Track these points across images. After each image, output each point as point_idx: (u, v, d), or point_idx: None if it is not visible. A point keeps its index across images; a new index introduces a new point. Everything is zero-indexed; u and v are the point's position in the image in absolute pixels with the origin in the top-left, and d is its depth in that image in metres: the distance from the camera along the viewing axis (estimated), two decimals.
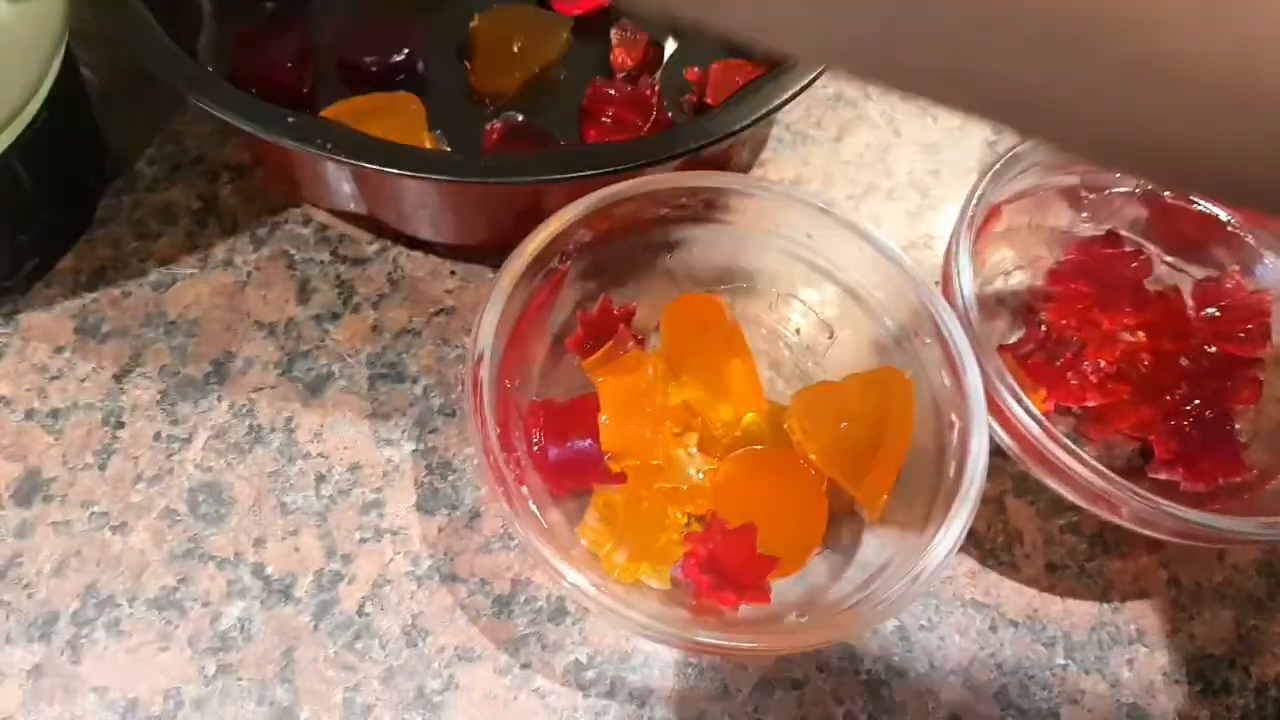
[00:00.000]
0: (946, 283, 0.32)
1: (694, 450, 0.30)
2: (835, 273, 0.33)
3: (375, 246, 0.34)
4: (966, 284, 0.31)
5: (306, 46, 0.35)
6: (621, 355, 0.31)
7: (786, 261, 0.33)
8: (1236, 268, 0.36)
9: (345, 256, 0.34)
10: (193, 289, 0.33)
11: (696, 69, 0.38)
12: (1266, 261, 0.37)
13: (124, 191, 0.34)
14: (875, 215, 0.38)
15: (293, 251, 0.34)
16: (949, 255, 0.33)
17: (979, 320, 0.31)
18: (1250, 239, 0.37)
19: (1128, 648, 0.31)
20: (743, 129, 0.30)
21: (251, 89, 0.35)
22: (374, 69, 0.36)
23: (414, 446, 0.31)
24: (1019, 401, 0.30)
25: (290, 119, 0.27)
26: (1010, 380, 0.30)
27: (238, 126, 0.28)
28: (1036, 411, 0.30)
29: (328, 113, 0.34)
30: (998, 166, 0.34)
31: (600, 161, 0.29)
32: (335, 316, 0.33)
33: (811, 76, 0.32)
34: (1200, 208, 0.37)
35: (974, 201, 0.33)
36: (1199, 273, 0.37)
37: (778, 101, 0.31)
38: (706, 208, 0.32)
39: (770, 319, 0.34)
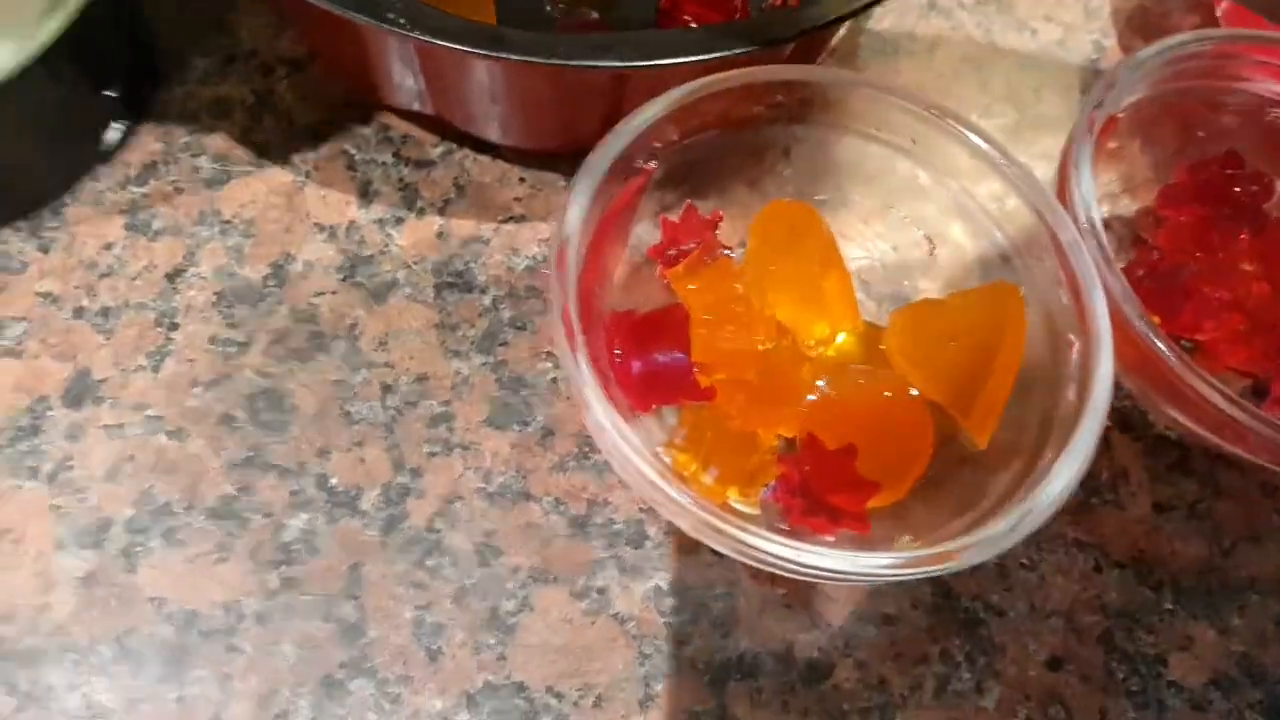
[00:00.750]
0: (1061, 198, 0.30)
1: (790, 369, 0.27)
2: (940, 182, 0.30)
3: (440, 149, 0.32)
4: (1089, 196, 0.29)
5: None
6: (709, 264, 0.28)
7: (886, 169, 0.30)
8: None
9: (409, 159, 0.32)
10: (248, 187, 0.31)
11: None
12: None
13: (176, 84, 0.32)
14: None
15: (353, 151, 0.32)
16: (1065, 167, 0.30)
17: (1103, 234, 0.28)
18: None
19: (1239, 594, 0.29)
20: (851, 14, 0.27)
21: None
22: None
23: (484, 359, 0.29)
24: (1143, 320, 0.27)
25: None
26: (1135, 300, 0.27)
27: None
28: (1161, 333, 0.27)
29: None
30: (1116, 74, 0.31)
31: (691, 47, 0.26)
32: (399, 221, 0.31)
33: None
34: None
35: (1093, 106, 0.30)
36: None
37: None
38: (802, 106, 0.29)
39: (865, 231, 0.31)
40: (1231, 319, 0.32)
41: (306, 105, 0.32)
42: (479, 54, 0.25)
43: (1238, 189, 0.33)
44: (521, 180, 0.32)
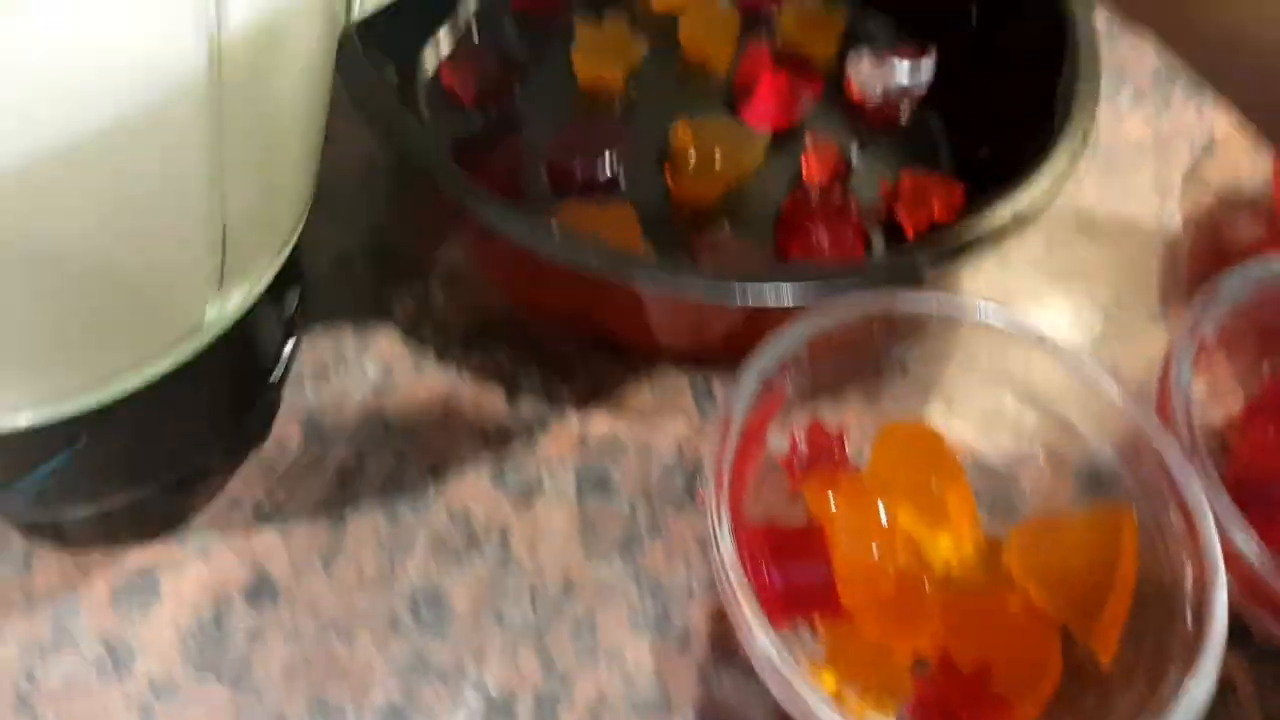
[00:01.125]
0: (1163, 414, 0.32)
1: (922, 584, 0.29)
2: (1045, 400, 0.32)
3: (579, 355, 0.35)
4: (1193, 419, 0.31)
5: (520, 154, 0.36)
6: (840, 479, 0.31)
7: (994, 385, 0.33)
8: None
9: (552, 364, 0.34)
10: (408, 391, 0.33)
11: (886, 180, 0.39)
12: None
13: (342, 288, 0.35)
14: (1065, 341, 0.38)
15: (502, 358, 0.34)
16: (1165, 387, 0.32)
17: (1205, 455, 0.30)
18: None
19: None
20: (975, 251, 0.30)
21: None
22: (581, 175, 0.37)
23: (624, 564, 0.31)
24: (1247, 540, 0.29)
25: (558, 231, 0.28)
26: (1239, 518, 0.29)
27: (491, 232, 0.28)
28: (1266, 553, 0.29)
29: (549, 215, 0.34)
30: (1208, 300, 0.34)
31: (841, 280, 0.29)
32: (544, 425, 0.33)
33: (1050, 194, 0.32)
34: None
35: (1189, 331, 0.33)
36: None
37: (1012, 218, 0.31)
38: (916, 329, 0.32)
39: (976, 443, 0.34)
40: None
41: (461, 312, 0.35)
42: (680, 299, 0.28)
43: None
44: (653, 385, 0.35)
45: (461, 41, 0.40)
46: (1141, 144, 0.44)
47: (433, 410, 0.33)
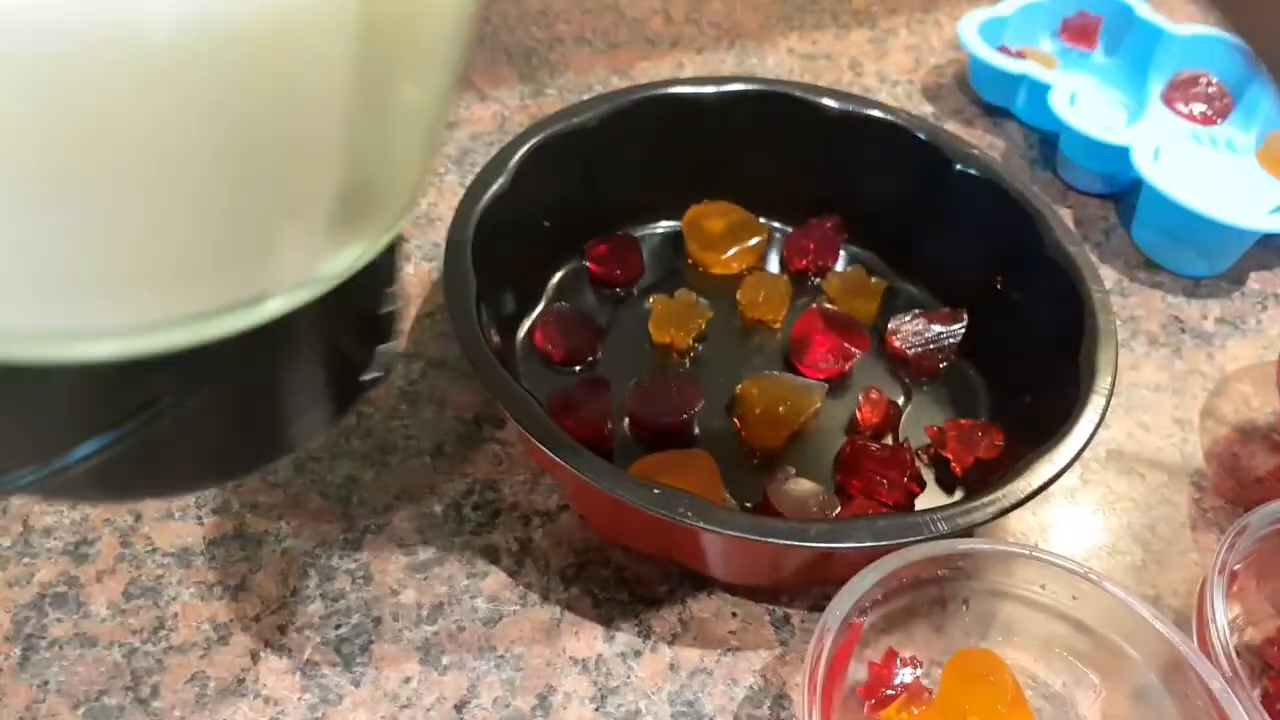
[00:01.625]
0: (1203, 645, 0.35)
1: None
2: (1098, 630, 0.36)
3: (665, 588, 0.39)
4: (1231, 650, 0.34)
5: (607, 409, 0.42)
6: (914, 706, 0.34)
7: (1051, 618, 0.36)
8: None
9: (641, 597, 0.38)
10: (516, 625, 0.37)
11: (933, 426, 0.44)
12: None
13: (454, 534, 0.39)
14: (1104, 570, 0.42)
15: (597, 591, 0.38)
16: (1201, 617, 0.36)
17: (1246, 681, 0.33)
18: None
19: None
20: (1027, 499, 0.34)
21: None
22: (664, 427, 0.42)
23: None
24: None
25: (655, 490, 0.32)
26: None
27: (608, 494, 0.33)
28: None
29: (637, 467, 0.39)
30: (1237, 536, 0.37)
31: (908, 533, 0.33)
32: (637, 654, 0.37)
33: (1085, 443, 0.36)
34: None
35: (1218, 570, 0.36)
36: None
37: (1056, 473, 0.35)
38: (977, 568, 0.36)
39: (1037, 671, 0.37)
40: None
41: (558, 550, 0.39)
42: (760, 542, 0.32)
43: None
44: (734, 615, 0.38)
45: (550, 309, 0.47)
46: (1159, 385, 0.49)
47: (538, 641, 0.36)
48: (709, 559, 0.37)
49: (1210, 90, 0.63)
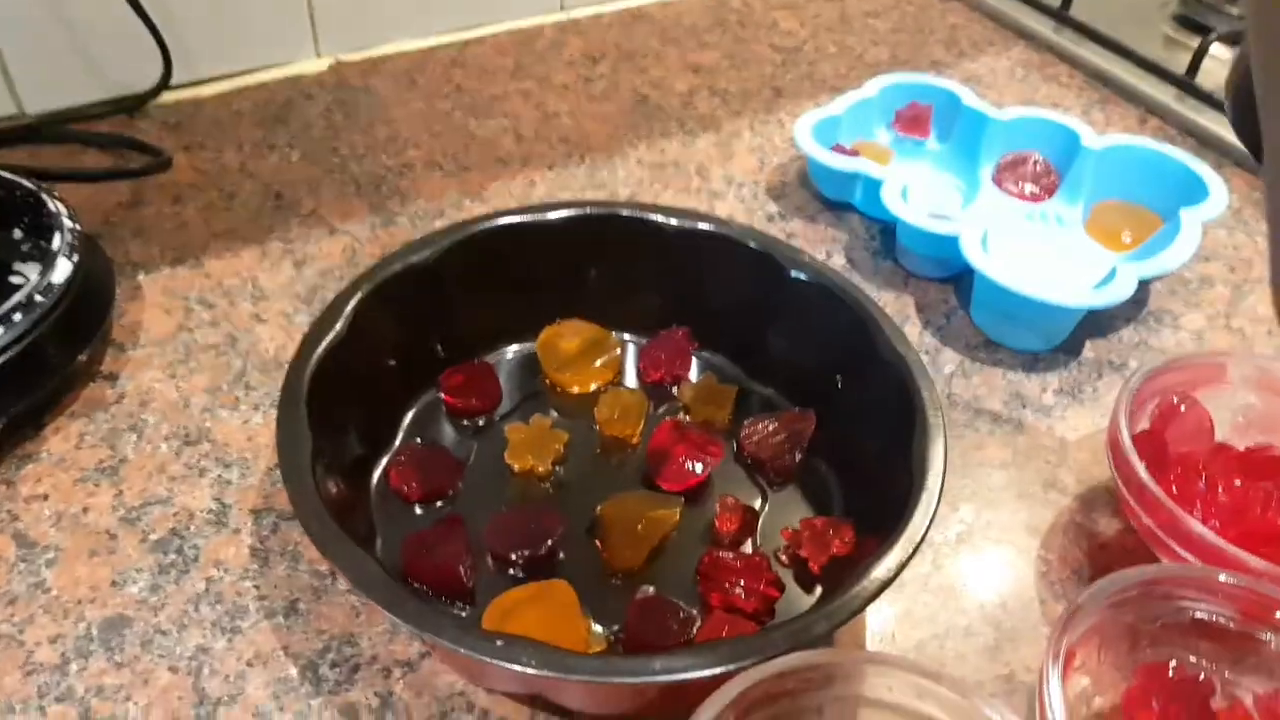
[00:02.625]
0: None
1: None
2: None
3: None
4: None
5: (465, 545, 0.42)
6: None
7: (902, 718, 0.37)
8: None
9: None
10: None
11: (789, 529, 0.45)
12: None
13: (310, 696, 0.39)
14: (960, 652, 0.43)
15: None
16: (1041, 700, 0.37)
17: None
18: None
19: None
20: (872, 598, 0.36)
21: (424, 587, 0.41)
22: (525, 559, 0.42)
23: None
24: None
25: (499, 643, 0.33)
26: None
27: (459, 656, 0.33)
28: None
29: (497, 605, 0.39)
30: (1071, 618, 0.39)
31: (755, 653, 0.34)
32: None
33: (918, 542, 0.38)
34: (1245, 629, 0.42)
35: (1053, 652, 0.38)
36: (1257, 686, 0.41)
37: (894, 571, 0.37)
38: (827, 678, 0.37)
39: None
40: None
41: (421, 702, 0.39)
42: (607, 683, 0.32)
43: (1187, 692, 0.40)
44: None
45: (405, 448, 0.47)
46: (1004, 462, 0.52)
47: None
48: (567, 697, 0.37)
49: (1037, 169, 0.67)
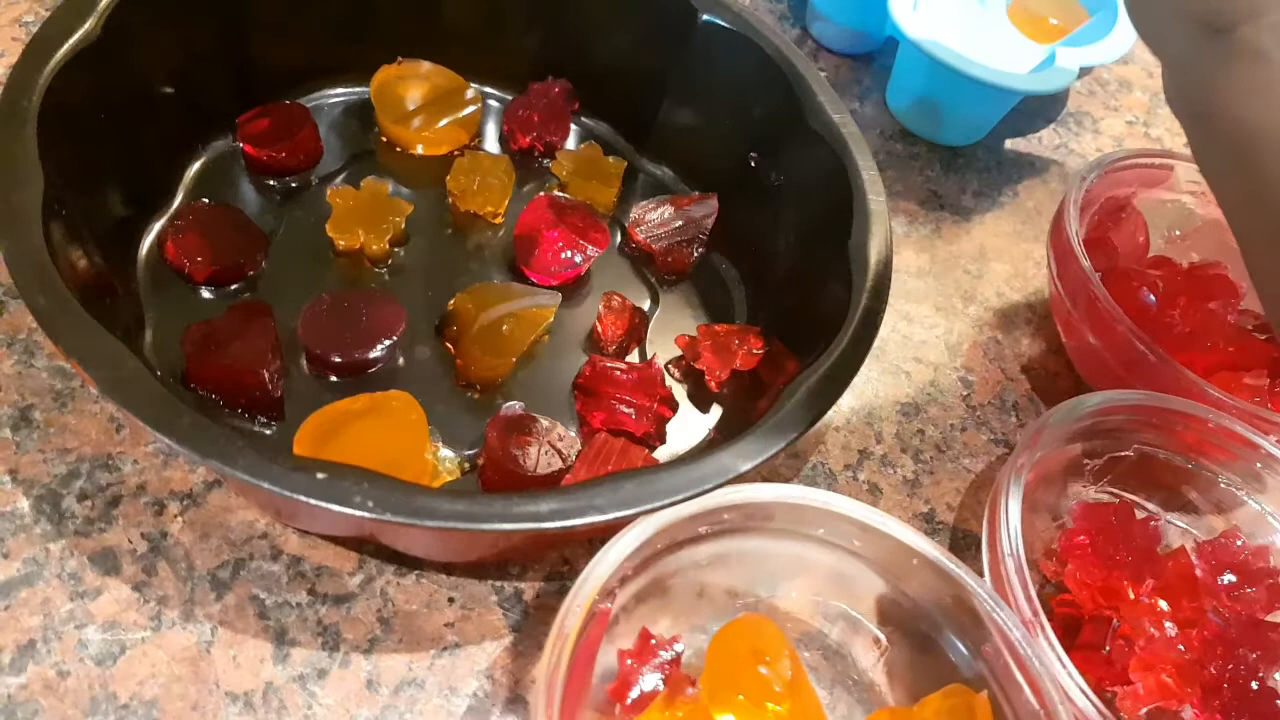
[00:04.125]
0: (997, 582, 0.31)
1: None
2: (883, 581, 0.31)
3: (359, 578, 0.30)
4: (1029, 584, 0.30)
5: (274, 343, 0.31)
6: (679, 700, 0.27)
7: (834, 570, 0.31)
8: (1236, 525, 0.36)
9: (325, 594, 0.29)
10: (146, 658, 0.27)
11: (684, 335, 0.37)
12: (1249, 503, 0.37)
13: (50, 539, 0.28)
14: (873, 482, 0.37)
15: (263, 595, 0.29)
16: (996, 548, 0.31)
17: (1047, 630, 0.29)
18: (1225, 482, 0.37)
19: None
20: (803, 433, 0.28)
21: (213, 395, 0.30)
22: (353, 363, 0.32)
23: None
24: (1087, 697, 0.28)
25: (320, 474, 0.23)
26: (1085, 688, 0.28)
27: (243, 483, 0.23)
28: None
29: (314, 421, 0.29)
30: (1026, 443, 0.33)
31: (662, 494, 0.26)
32: (321, 674, 0.28)
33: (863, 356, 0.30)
34: (1185, 463, 0.37)
35: (1011, 479, 0.32)
36: (1197, 530, 0.37)
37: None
38: (747, 519, 0.29)
39: (817, 633, 0.31)
40: (1157, 666, 0.33)
41: (206, 546, 0.29)
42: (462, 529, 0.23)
43: (1134, 535, 0.35)
44: (450, 601, 0.30)
45: (187, 209, 0.35)
46: (921, 269, 0.45)
47: (179, 677, 0.27)
48: (412, 542, 0.29)
49: None
